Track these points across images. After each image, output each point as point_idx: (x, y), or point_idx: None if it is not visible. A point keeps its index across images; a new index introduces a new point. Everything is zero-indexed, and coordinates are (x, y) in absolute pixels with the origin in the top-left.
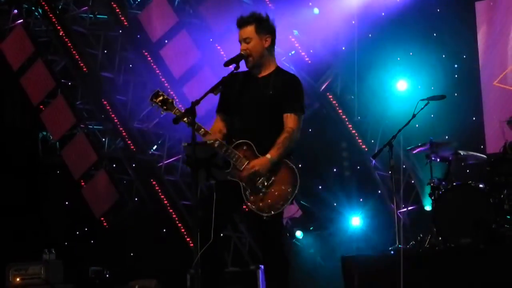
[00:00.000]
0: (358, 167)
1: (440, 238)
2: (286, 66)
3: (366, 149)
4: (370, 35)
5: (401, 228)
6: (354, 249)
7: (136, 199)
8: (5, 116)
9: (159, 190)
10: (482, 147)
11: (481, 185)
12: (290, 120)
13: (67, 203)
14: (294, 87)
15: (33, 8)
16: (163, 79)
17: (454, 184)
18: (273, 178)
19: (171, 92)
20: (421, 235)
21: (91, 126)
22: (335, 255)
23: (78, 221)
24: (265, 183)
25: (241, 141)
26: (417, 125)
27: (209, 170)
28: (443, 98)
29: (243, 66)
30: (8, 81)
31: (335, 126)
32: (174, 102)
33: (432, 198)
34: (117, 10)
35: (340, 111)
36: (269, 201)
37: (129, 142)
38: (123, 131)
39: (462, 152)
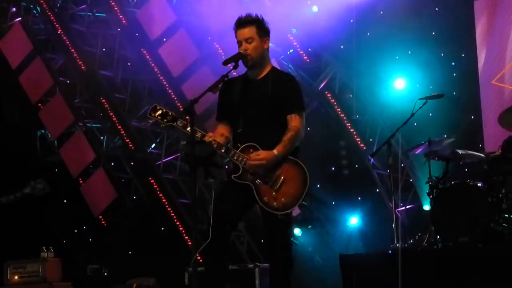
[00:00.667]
0: (356, 166)
1: (438, 237)
2: (284, 64)
3: (365, 148)
4: (368, 34)
5: (399, 227)
6: (352, 248)
7: (134, 197)
8: (4, 114)
9: (158, 189)
10: (480, 145)
11: (479, 184)
12: (294, 120)
13: (65, 201)
14: (292, 86)
15: (32, 6)
16: (161, 78)
17: (452, 183)
18: (283, 177)
19: (169, 91)
20: (419, 234)
21: (89, 124)
22: (334, 254)
23: (77, 219)
24: (276, 182)
25: (246, 144)
26: (415, 124)
27: (208, 169)
28: (441, 97)
29: (241, 66)
30: (6, 79)
31: (333, 125)
32: (174, 114)
33: (431, 196)
34: (116, 9)
35: (338, 109)
36: (282, 199)
37: (128, 140)
38: (121, 129)
39: (460, 151)
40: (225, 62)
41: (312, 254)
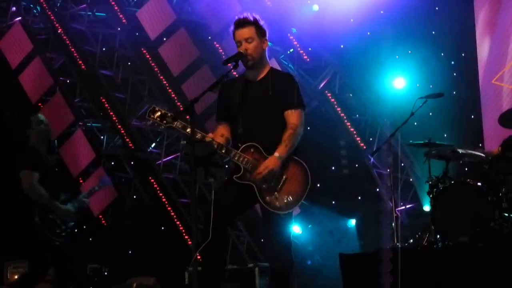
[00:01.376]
0: (357, 165)
1: (438, 236)
2: (284, 64)
3: (365, 147)
4: (368, 33)
5: (399, 226)
6: (352, 247)
7: (134, 196)
8: (4, 114)
9: (158, 188)
10: (480, 145)
11: (479, 183)
12: (292, 116)
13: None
14: (291, 84)
15: (32, 5)
16: (161, 77)
17: (452, 182)
18: (284, 176)
19: (169, 90)
20: (419, 233)
21: (89, 124)
22: (333, 253)
23: (77, 219)
24: (278, 182)
25: (247, 144)
26: (415, 123)
27: (208, 168)
28: (441, 96)
29: (241, 66)
30: (6, 79)
31: (333, 124)
32: (173, 116)
33: (430, 196)
34: (116, 8)
35: (338, 109)
36: (285, 199)
37: (128, 140)
38: (121, 129)
39: (460, 150)
40: (225, 62)
41: (312, 253)
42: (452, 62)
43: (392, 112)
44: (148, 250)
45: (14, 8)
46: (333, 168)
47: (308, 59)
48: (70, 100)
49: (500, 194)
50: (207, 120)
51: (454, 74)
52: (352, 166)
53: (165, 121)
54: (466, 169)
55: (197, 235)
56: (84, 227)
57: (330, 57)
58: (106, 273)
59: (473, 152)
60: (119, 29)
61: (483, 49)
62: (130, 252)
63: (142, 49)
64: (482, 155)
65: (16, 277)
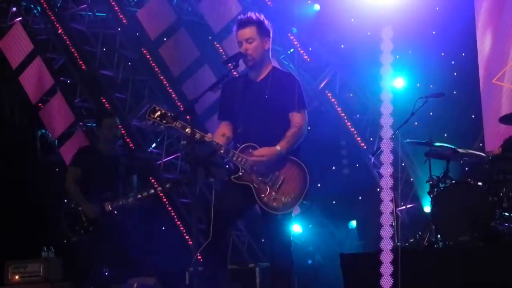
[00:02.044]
0: (357, 165)
1: (438, 236)
2: (285, 64)
3: (365, 147)
4: (369, 33)
5: (399, 226)
6: (353, 247)
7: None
8: (4, 114)
9: (158, 188)
10: (481, 144)
11: (480, 183)
12: (297, 117)
13: (66, 200)
14: (292, 85)
15: (32, 5)
16: (161, 77)
17: (453, 182)
18: (282, 177)
19: (170, 90)
20: (420, 233)
21: (90, 124)
22: (334, 253)
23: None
24: (276, 182)
25: (246, 144)
26: (416, 123)
27: (208, 168)
28: (441, 95)
29: (241, 66)
30: (6, 79)
31: (334, 124)
32: (173, 116)
33: (431, 196)
34: (116, 8)
35: (339, 109)
36: (282, 199)
37: (128, 140)
38: (122, 129)
39: (461, 150)
40: (226, 62)
41: (312, 253)
42: (453, 62)
43: (392, 112)
44: (148, 250)
45: (14, 9)
46: (333, 168)
47: (308, 59)
48: (70, 100)
49: (501, 194)
50: (207, 120)
51: (455, 74)
52: (353, 166)
53: (165, 121)
54: (467, 169)
55: (198, 235)
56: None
57: (330, 57)
58: (106, 274)
59: (474, 152)
60: (119, 29)
61: (484, 48)
62: (131, 252)
63: (143, 49)
64: (483, 154)
65: (17, 277)
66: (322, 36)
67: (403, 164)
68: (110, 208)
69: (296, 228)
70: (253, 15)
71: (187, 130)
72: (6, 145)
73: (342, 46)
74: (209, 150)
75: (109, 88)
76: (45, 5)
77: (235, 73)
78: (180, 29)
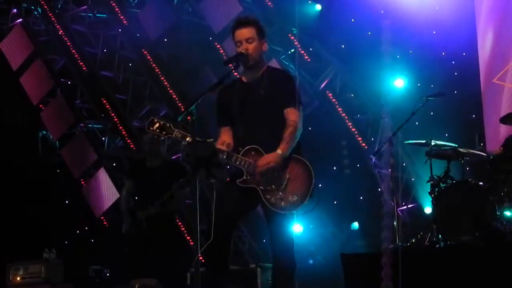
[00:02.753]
0: (358, 165)
1: (439, 236)
2: (285, 64)
3: (366, 147)
4: (369, 33)
5: (400, 226)
6: (354, 247)
7: (136, 197)
8: (5, 116)
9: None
10: (482, 144)
11: (481, 183)
12: (291, 114)
13: (67, 202)
14: (286, 82)
15: (33, 7)
16: (162, 78)
17: (454, 181)
18: (287, 176)
19: (170, 91)
20: (421, 233)
21: (90, 125)
22: (335, 253)
23: (78, 220)
24: (282, 182)
25: (247, 147)
26: (416, 123)
27: (210, 169)
28: (442, 95)
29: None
30: (7, 81)
31: (334, 124)
32: (172, 126)
33: (432, 196)
34: (116, 9)
35: (339, 109)
36: (289, 199)
37: (129, 141)
38: (122, 130)
39: (461, 150)
40: (226, 62)
41: (314, 253)
42: (453, 62)
43: (393, 112)
44: (150, 251)
45: (15, 10)
46: (334, 168)
47: (309, 59)
48: (71, 102)
49: (502, 194)
50: (208, 121)
51: (455, 73)
52: (354, 166)
53: (164, 132)
54: (468, 168)
55: (199, 236)
56: (86, 228)
57: (331, 57)
58: (108, 275)
59: (475, 151)
60: (120, 30)
61: (485, 48)
62: (132, 253)
63: (143, 50)
64: (484, 154)
65: (18, 278)
66: (322, 37)
67: (404, 164)
68: None
69: (296, 228)
70: (251, 15)
71: (187, 139)
72: (7, 147)
73: (343, 46)
74: (210, 151)
75: (110, 89)
76: (45, 7)
77: (235, 73)
78: (180, 30)
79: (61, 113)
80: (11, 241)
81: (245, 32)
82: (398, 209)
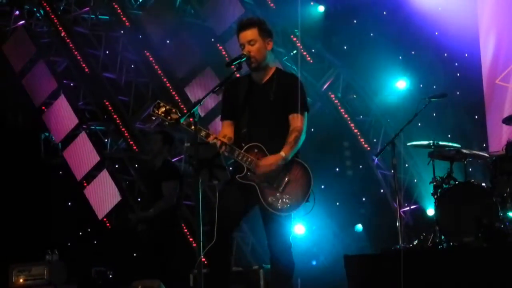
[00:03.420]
0: (361, 166)
1: (442, 237)
2: (287, 65)
3: (369, 148)
4: (372, 34)
5: (403, 227)
6: (356, 248)
7: (138, 199)
8: (8, 117)
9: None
10: (484, 145)
11: (483, 184)
12: (297, 120)
13: (69, 203)
14: (295, 87)
15: (35, 9)
16: (165, 79)
17: (457, 182)
18: (287, 178)
19: (173, 93)
20: (424, 234)
21: (93, 127)
22: (338, 254)
23: (81, 222)
24: (281, 183)
25: (251, 144)
26: (419, 124)
27: (212, 170)
28: (444, 96)
29: (244, 68)
30: (10, 82)
31: (337, 126)
32: (177, 112)
33: (435, 197)
34: (119, 11)
35: (342, 110)
36: (287, 200)
37: (131, 142)
38: (125, 131)
39: (464, 151)
40: (228, 64)
41: (316, 255)
42: (456, 63)
43: (395, 113)
44: (152, 253)
45: (17, 12)
46: (337, 169)
47: (311, 61)
48: (73, 103)
49: (505, 195)
50: (210, 123)
51: (458, 74)
52: (356, 167)
53: (169, 117)
54: (471, 169)
55: (202, 237)
56: (89, 230)
57: (333, 59)
58: (110, 276)
59: (477, 152)
60: (122, 32)
61: (487, 49)
62: (134, 254)
63: (146, 51)
64: (486, 155)
65: (21, 280)
66: (325, 38)
67: (406, 165)
68: None
69: (299, 229)
70: (254, 16)
71: (191, 127)
72: (9, 148)
73: (345, 47)
74: (212, 152)
75: (112, 91)
76: (48, 8)
77: (238, 75)
78: (183, 31)
79: (64, 115)
80: (13, 243)
81: (247, 35)
82: (401, 210)
